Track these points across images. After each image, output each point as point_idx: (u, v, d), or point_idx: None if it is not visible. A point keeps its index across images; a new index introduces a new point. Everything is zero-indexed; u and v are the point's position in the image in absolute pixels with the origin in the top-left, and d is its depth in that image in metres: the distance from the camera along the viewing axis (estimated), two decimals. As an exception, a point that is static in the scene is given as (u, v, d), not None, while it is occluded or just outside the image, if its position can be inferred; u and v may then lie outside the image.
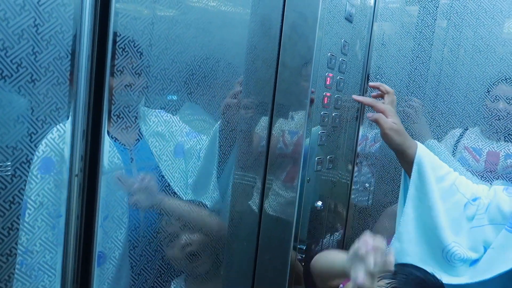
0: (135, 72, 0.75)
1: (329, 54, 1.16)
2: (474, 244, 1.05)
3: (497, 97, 1.23)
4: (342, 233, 1.50)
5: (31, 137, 0.62)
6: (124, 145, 0.79)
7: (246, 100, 1.04)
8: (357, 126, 1.44)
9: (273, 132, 1.12)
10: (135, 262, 0.83)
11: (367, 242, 0.84)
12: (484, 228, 1.05)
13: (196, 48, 0.88)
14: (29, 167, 0.63)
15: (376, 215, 1.46)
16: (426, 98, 1.35)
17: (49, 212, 0.67)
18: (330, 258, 1.08)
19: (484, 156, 1.26)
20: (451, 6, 1.30)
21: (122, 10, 0.70)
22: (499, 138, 1.24)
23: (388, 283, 0.95)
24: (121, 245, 0.80)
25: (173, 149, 0.89)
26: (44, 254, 0.67)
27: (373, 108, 1.16)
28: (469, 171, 1.26)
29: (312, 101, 1.10)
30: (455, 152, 1.30)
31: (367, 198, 1.49)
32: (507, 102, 1.22)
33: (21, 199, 0.63)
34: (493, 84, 1.25)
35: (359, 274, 0.81)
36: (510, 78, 1.22)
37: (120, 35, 0.70)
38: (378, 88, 1.25)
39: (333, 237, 1.44)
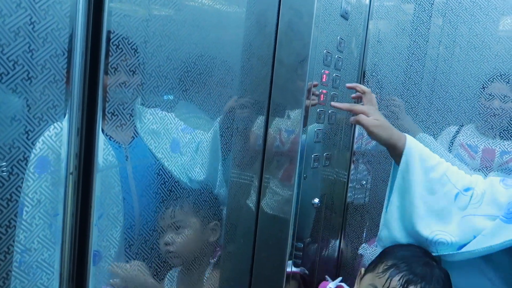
0: (129, 69, 0.74)
1: (325, 52, 1.17)
2: (465, 233, 1.06)
3: (492, 94, 1.24)
4: (339, 231, 1.50)
5: (28, 135, 0.62)
6: (119, 143, 0.79)
7: (242, 98, 1.05)
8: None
9: (269, 129, 1.13)
10: (131, 260, 0.83)
11: None
12: (477, 218, 1.06)
13: (191, 45, 0.88)
14: (26, 165, 0.63)
15: (373, 212, 1.46)
16: (422, 95, 1.35)
17: (46, 210, 0.67)
18: None
19: (480, 153, 1.26)
20: (446, 4, 1.31)
21: (115, 7, 0.70)
22: (495, 134, 1.24)
23: (399, 279, 0.96)
24: (116, 244, 0.80)
25: (169, 146, 0.89)
26: (42, 252, 0.67)
27: (352, 112, 1.17)
28: (465, 168, 1.26)
29: (308, 98, 1.10)
30: (451, 149, 1.31)
31: (363, 195, 1.49)
32: (502, 99, 1.23)
33: (19, 197, 0.63)
34: (488, 80, 1.25)
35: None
36: (505, 74, 1.23)
37: (114, 32, 0.70)
38: (355, 89, 1.25)
39: (330, 234, 1.45)
